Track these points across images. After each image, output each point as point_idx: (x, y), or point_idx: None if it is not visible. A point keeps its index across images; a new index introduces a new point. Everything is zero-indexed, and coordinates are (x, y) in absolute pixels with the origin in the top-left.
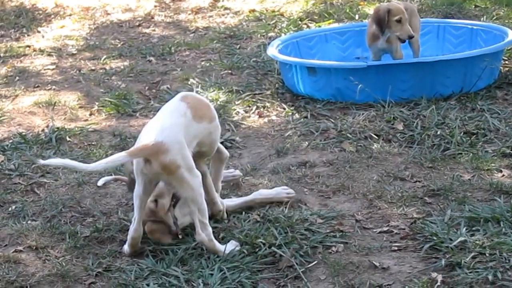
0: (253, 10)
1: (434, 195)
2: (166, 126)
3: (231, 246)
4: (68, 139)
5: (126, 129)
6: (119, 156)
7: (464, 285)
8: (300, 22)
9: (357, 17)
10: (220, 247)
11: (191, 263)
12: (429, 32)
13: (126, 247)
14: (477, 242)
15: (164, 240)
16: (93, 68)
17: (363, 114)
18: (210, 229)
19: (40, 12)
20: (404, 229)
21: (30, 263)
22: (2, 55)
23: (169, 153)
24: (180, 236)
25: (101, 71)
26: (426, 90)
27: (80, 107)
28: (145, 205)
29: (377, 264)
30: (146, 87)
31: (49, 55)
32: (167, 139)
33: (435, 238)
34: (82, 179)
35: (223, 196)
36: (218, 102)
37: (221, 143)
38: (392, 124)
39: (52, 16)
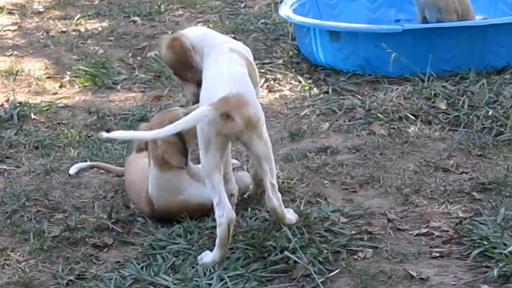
0: None
1: (485, 190)
2: (236, 75)
3: (293, 216)
4: (33, 116)
5: (104, 104)
6: (202, 111)
7: None
8: None
9: None
10: (290, 216)
11: (184, 270)
12: None
13: (207, 256)
14: None
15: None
16: (64, 29)
17: (397, 89)
18: (279, 194)
19: None
20: (447, 231)
21: None
22: None
23: (249, 104)
24: None
25: (74, 33)
26: (475, 61)
27: (48, 78)
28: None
29: (414, 274)
30: (130, 54)
31: (9, 13)
32: (242, 89)
33: (485, 242)
34: (51, 166)
35: None
36: None
37: None
38: (433, 102)
39: None
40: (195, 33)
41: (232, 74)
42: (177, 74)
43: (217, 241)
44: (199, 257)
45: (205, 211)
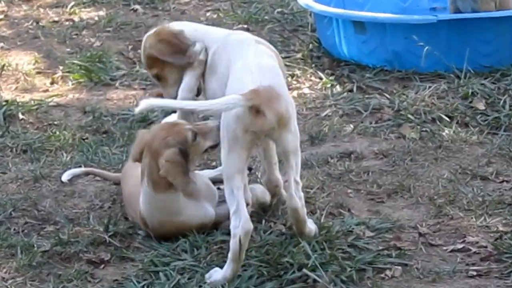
0: None
1: None
2: (267, 67)
3: (313, 226)
4: (20, 116)
5: (101, 103)
6: (232, 98)
7: None
8: None
9: None
10: (310, 225)
11: None
12: None
13: (216, 273)
14: None
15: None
16: (56, 19)
17: (429, 87)
18: (302, 194)
19: None
20: (485, 247)
21: None
22: None
23: (282, 99)
24: None
25: (67, 23)
26: None
27: (38, 73)
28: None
29: None
30: (130, 47)
31: None
32: (274, 82)
33: None
34: (40, 172)
35: None
36: None
37: None
38: (470, 102)
39: None
40: (181, 27)
41: (262, 65)
42: (172, 67)
43: (229, 255)
44: (207, 275)
45: (209, 228)
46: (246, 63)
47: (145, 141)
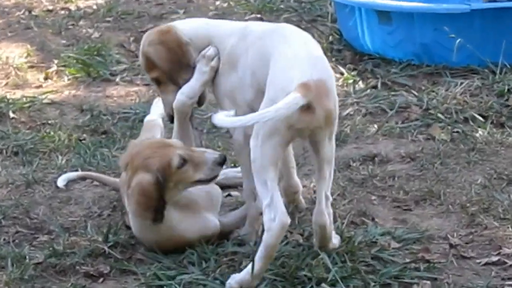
0: None
1: None
2: (317, 57)
3: (336, 240)
4: (11, 115)
5: (100, 101)
6: (293, 98)
7: None
8: None
9: None
10: (334, 240)
11: None
12: None
13: (237, 275)
14: None
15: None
16: (50, 7)
17: (461, 83)
18: (331, 210)
19: None
20: None
21: None
22: None
23: (331, 94)
24: None
25: (62, 12)
26: None
27: (31, 67)
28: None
29: None
30: (131, 38)
31: None
32: (324, 75)
33: None
34: (33, 176)
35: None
36: None
37: None
38: (506, 100)
39: None
40: (189, 25)
41: (311, 56)
42: (166, 77)
43: (261, 249)
44: (227, 283)
45: (217, 239)
46: (293, 53)
47: (131, 154)
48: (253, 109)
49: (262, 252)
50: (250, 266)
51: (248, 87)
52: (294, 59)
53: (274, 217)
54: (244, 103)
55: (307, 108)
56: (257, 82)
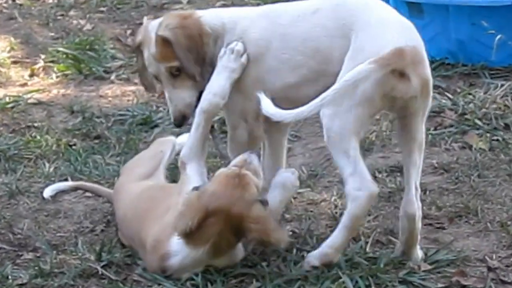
0: None
1: None
2: (409, 24)
3: (421, 253)
4: None
5: (92, 101)
6: (362, 70)
7: None
8: None
9: None
10: (420, 251)
11: None
12: None
13: (320, 248)
14: None
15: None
16: None
17: (502, 85)
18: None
19: None
20: None
21: None
22: None
23: (426, 63)
24: None
25: (50, 1)
26: None
27: (15, 63)
28: None
29: None
30: (128, 31)
31: None
32: (418, 43)
33: None
34: (17, 186)
35: None
36: None
37: None
38: None
39: None
40: (215, 22)
41: (404, 22)
42: (182, 68)
43: (343, 220)
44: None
45: None
46: (384, 18)
47: (215, 206)
48: (286, 96)
49: (345, 222)
50: (329, 239)
51: (291, 70)
52: (386, 25)
53: (360, 185)
54: (274, 90)
55: (402, 76)
56: (321, 57)
